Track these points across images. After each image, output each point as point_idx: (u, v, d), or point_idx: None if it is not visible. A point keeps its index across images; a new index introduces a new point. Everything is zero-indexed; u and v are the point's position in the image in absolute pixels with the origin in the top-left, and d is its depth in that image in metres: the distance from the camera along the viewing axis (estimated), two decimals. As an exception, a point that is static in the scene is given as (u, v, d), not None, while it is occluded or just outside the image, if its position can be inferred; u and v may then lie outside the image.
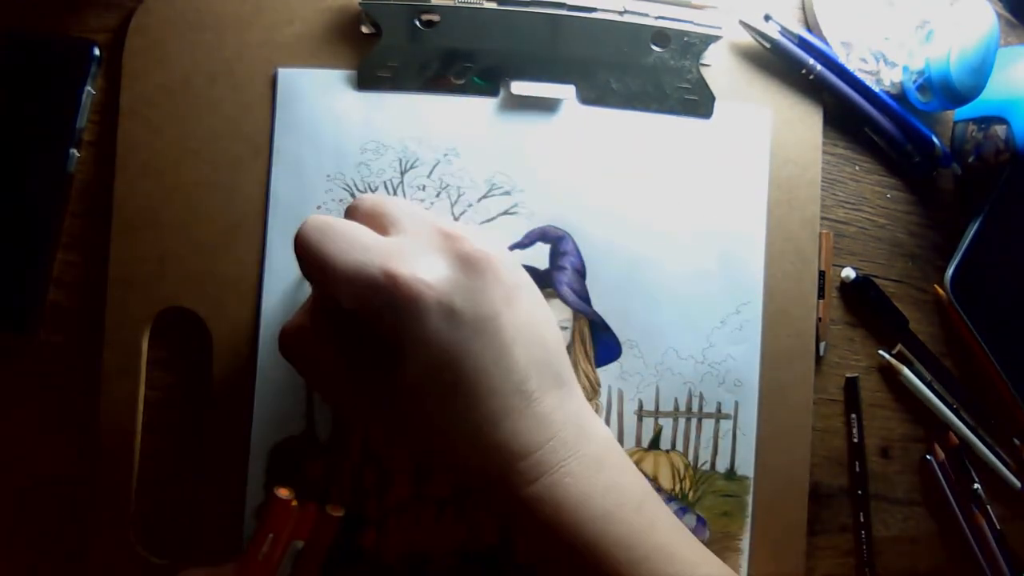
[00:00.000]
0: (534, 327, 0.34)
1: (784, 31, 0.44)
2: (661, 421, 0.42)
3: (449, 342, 0.31)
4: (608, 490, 0.33)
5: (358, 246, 0.32)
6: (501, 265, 0.33)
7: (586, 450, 0.33)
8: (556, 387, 0.34)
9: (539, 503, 0.32)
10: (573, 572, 0.33)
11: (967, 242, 0.48)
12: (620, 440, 0.42)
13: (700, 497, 0.42)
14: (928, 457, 0.47)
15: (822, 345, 0.45)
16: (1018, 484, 0.49)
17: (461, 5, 0.41)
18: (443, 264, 0.32)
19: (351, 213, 0.35)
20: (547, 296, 0.41)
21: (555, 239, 0.41)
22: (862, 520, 0.45)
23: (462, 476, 0.35)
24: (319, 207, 0.40)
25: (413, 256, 0.32)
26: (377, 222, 0.34)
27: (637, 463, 0.42)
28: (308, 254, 0.32)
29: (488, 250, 0.33)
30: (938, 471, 0.47)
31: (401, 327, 0.31)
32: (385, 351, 0.32)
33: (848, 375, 0.46)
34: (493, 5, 0.42)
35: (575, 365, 0.41)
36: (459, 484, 0.40)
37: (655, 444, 0.42)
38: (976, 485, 0.47)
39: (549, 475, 0.32)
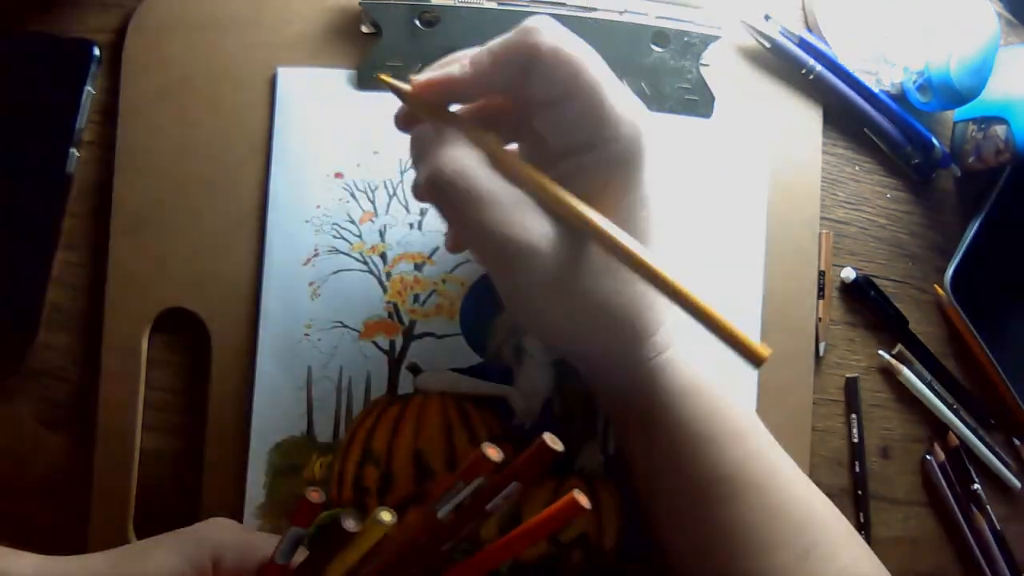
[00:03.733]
0: None
1: (784, 31, 0.44)
2: (661, 421, 0.42)
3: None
4: (716, 371, 0.35)
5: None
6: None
7: (686, 336, 0.35)
8: None
9: (665, 371, 0.34)
10: (692, 453, 0.34)
11: (967, 242, 0.48)
12: (620, 440, 0.42)
13: (700, 497, 0.42)
14: (928, 457, 0.47)
15: (822, 345, 0.45)
16: (1018, 484, 0.49)
17: (461, 5, 0.41)
18: None
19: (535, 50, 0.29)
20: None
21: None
22: (862, 520, 0.45)
23: (599, 353, 0.35)
24: (319, 207, 0.40)
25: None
26: None
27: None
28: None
29: None
30: (938, 471, 0.47)
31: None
32: None
33: (848, 375, 0.46)
34: (493, 5, 0.42)
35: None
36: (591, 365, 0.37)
37: (655, 444, 0.42)
38: (976, 485, 0.47)
39: (673, 348, 0.34)
